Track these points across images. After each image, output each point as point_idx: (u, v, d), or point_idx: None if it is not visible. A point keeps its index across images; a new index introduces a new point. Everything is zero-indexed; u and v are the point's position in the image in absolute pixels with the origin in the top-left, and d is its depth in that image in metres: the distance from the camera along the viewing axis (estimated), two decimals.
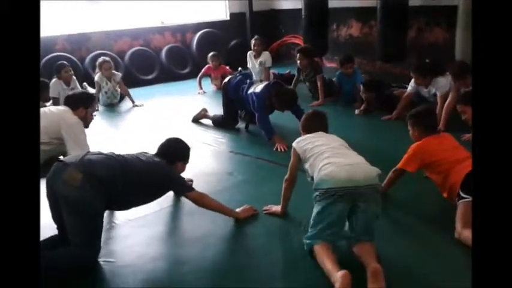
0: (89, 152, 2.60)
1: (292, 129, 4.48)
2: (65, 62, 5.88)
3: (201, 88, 6.77)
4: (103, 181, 2.38)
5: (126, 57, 7.56)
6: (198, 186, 3.28)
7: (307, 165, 2.55)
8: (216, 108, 5.23)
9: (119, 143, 4.49)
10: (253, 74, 6.55)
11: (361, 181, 2.26)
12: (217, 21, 8.70)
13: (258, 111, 4.38)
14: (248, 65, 6.70)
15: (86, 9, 7.36)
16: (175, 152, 2.88)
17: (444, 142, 2.87)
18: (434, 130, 2.94)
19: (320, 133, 2.69)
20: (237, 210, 2.87)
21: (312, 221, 2.36)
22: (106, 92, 6.15)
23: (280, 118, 4.68)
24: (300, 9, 7.53)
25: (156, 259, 2.51)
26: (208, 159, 4.06)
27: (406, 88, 4.97)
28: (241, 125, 4.90)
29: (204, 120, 5.20)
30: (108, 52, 7.27)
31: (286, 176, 2.76)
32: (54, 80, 5.53)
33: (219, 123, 4.97)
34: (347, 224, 2.37)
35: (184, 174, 3.08)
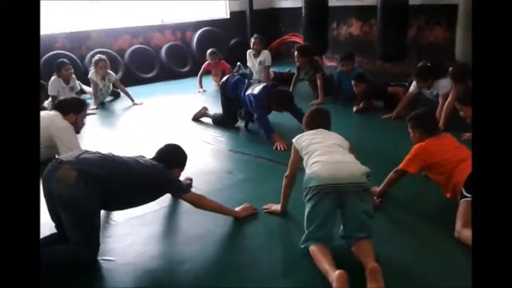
0: (86, 151, 2.59)
1: (291, 127, 4.49)
2: (65, 59, 5.87)
3: (201, 86, 6.77)
4: (98, 179, 2.37)
5: (126, 55, 7.55)
6: (197, 184, 3.30)
7: (303, 163, 2.56)
8: (216, 107, 5.22)
9: (118, 142, 4.49)
10: (253, 73, 6.55)
11: (345, 179, 2.26)
12: (218, 20, 8.68)
13: (256, 111, 4.41)
14: (248, 64, 6.70)
15: (86, 7, 7.35)
16: (173, 158, 2.90)
17: (445, 143, 2.87)
18: (435, 131, 2.94)
19: (320, 130, 2.69)
20: (237, 209, 2.87)
21: (305, 222, 2.37)
22: (101, 89, 6.16)
23: (279, 117, 4.68)
24: (300, 8, 7.52)
25: (156, 258, 2.51)
26: (207, 157, 4.06)
27: (404, 86, 5.02)
28: (240, 123, 4.90)
29: (204, 119, 5.19)
30: (108, 50, 7.27)
31: (286, 173, 2.77)
32: (53, 77, 5.50)
33: (219, 122, 4.97)
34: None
35: (184, 173, 3.09)
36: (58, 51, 6.83)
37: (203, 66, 6.89)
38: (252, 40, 6.58)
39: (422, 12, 6.80)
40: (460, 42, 5.34)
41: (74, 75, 5.75)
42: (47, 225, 2.47)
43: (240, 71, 6.71)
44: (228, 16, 8.90)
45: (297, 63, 5.92)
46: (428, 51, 6.74)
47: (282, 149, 4.07)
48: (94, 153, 2.55)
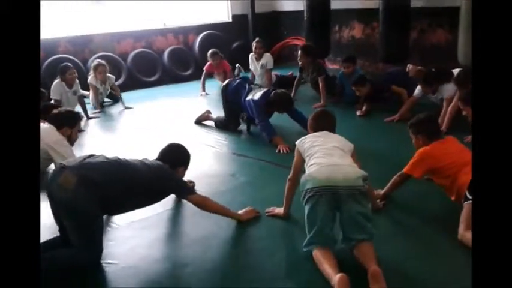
0: (91, 155, 2.60)
1: (293, 130, 4.49)
2: (69, 64, 5.87)
3: (204, 90, 6.78)
4: (98, 184, 2.38)
5: (129, 59, 7.56)
6: (200, 187, 3.30)
7: (305, 165, 2.56)
8: (219, 110, 5.22)
9: (120, 146, 4.49)
10: (256, 76, 6.56)
11: (340, 181, 2.27)
12: (220, 23, 8.70)
13: (257, 117, 4.46)
14: (250, 67, 6.71)
15: (89, 11, 7.38)
16: (176, 157, 2.90)
17: (449, 146, 2.86)
18: (438, 136, 2.93)
19: (323, 133, 2.68)
20: (240, 212, 2.87)
21: (306, 225, 2.37)
22: (101, 93, 6.19)
23: (280, 120, 4.69)
24: (302, 11, 7.53)
25: (159, 261, 2.51)
26: (210, 160, 4.06)
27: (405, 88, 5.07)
28: (243, 126, 4.90)
29: (207, 122, 5.20)
30: (111, 54, 7.30)
31: (289, 176, 2.78)
32: (56, 81, 5.46)
33: (222, 125, 4.98)
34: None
35: (187, 176, 3.09)
36: (61, 55, 6.85)
37: (205, 68, 6.91)
38: (254, 44, 6.59)
39: (425, 15, 6.80)
40: (462, 45, 5.34)
41: (77, 80, 5.75)
42: (46, 227, 2.47)
43: (241, 74, 6.73)
44: (230, 19, 8.92)
45: (300, 64, 5.93)
46: (431, 54, 6.74)
47: (285, 151, 4.07)
48: (98, 157, 2.56)
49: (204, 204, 2.74)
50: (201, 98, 6.61)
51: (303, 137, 2.70)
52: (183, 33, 8.34)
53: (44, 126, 3.46)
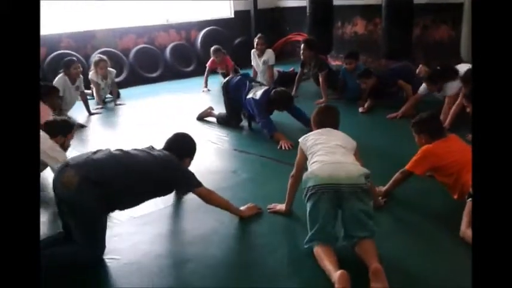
0: (98, 150, 2.59)
1: (295, 127, 4.49)
2: (74, 58, 5.83)
3: (206, 86, 6.78)
4: (102, 183, 2.37)
5: (131, 54, 7.56)
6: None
7: (307, 162, 2.56)
8: (221, 106, 5.22)
9: (122, 142, 4.49)
10: (258, 73, 6.55)
11: (343, 179, 2.27)
12: (222, 19, 8.69)
13: (258, 116, 4.47)
14: (252, 63, 6.70)
15: (91, 7, 7.36)
16: (183, 147, 2.86)
17: (452, 145, 2.86)
18: (441, 134, 2.92)
19: (326, 130, 2.68)
20: (242, 208, 2.87)
21: (308, 222, 2.37)
22: (103, 88, 6.17)
23: (281, 117, 4.69)
24: (304, 7, 7.51)
25: (161, 257, 2.51)
26: (212, 157, 4.07)
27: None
28: (245, 123, 4.90)
29: (209, 118, 5.20)
30: (113, 50, 7.29)
31: (292, 173, 2.78)
32: (59, 76, 5.39)
33: (223, 122, 4.99)
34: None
35: None
36: (63, 51, 6.85)
37: (208, 65, 6.92)
38: (256, 40, 6.57)
39: (428, 11, 6.77)
40: (465, 41, 5.32)
41: (81, 75, 5.71)
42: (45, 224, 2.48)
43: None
44: (233, 15, 8.91)
45: (302, 57, 5.91)
46: (434, 50, 6.71)
47: (287, 148, 4.06)
48: (103, 152, 2.55)
49: (209, 197, 2.73)
50: (203, 94, 6.61)
51: (306, 135, 2.70)
52: (185, 29, 8.33)
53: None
